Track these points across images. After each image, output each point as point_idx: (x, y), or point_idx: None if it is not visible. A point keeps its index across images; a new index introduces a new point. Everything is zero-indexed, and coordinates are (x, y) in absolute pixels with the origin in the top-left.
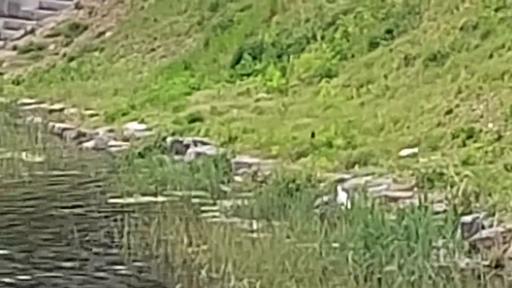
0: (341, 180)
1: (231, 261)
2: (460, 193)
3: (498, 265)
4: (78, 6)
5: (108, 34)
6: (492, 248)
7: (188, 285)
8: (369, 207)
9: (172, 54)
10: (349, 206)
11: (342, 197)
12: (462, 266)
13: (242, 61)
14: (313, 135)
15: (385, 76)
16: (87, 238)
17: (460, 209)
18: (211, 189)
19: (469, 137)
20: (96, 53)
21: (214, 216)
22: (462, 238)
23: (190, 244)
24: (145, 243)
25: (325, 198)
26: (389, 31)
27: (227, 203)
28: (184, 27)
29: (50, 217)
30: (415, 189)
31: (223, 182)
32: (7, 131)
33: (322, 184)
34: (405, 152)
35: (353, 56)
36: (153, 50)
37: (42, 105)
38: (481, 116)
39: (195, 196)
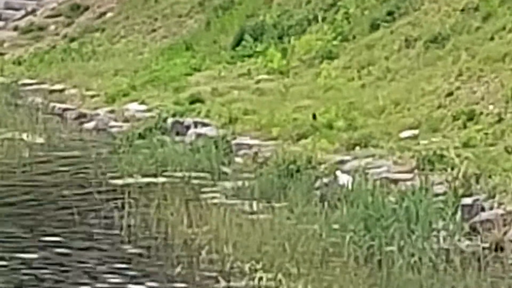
0: (342, 162)
1: (231, 242)
2: (460, 175)
3: (498, 247)
4: None
5: (109, 14)
6: (492, 230)
7: (188, 266)
8: (369, 189)
9: (173, 35)
10: (349, 188)
11: (342, 178)
12: (462, 248)
13: (243, 42)
14: (314, 116)
15: (386, 58)
16: (87, 218)
17: (460, 191)
18: (211, 170)
19: (470, 119)
20: (97, 34)
21: (214, 197)
22: (462, 220)
23: (190, 225)
24: (145, 224)
25: (326, 180)
26: (390, 13)
27: (227, 184)
28: (185, 8)
29: (50, 197)
30: (416, 171)
31: (223, 164)
32: (8, 112)
33: (322, 166)
34: (405, 134)
35: (354, 37)
36: (154, 31)
37: (43, 86)
38: (482, 98)
39: (196, 177)
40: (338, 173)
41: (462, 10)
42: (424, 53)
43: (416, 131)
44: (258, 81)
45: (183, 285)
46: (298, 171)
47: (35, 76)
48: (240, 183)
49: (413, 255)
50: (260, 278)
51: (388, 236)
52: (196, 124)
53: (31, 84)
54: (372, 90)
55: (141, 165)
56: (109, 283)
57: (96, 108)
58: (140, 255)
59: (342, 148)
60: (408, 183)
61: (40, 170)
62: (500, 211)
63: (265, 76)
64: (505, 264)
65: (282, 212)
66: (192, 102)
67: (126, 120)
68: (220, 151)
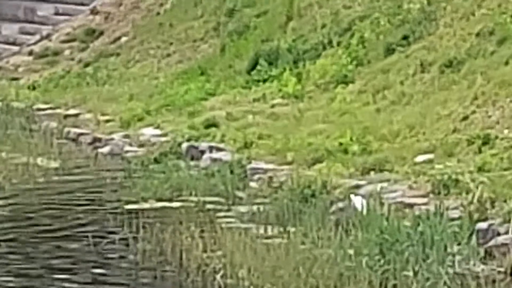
0: (357, 187)
1: (246, 267)
2: (475, 199)
3: None
4: (94, 12)
5: (123, 39)
6: (508, 254)
7: None
8: (384, 214)
9: (188, 59)
10: (364, 212)
11: (357, 203)
12: (477, 272)
13: (258, 67)
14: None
15: (401, 82)
16: (101, 243)
17: (475, 216)
18: (226, 195)
19: (485, 143)
20: (112, 59)
21: (229, 222)
22: (478, 245)
23: (205, 249)
24: (160, 249)
25: (340, 204)
26: (405, 37)
27: (242, 209)
28: (200, 32)
29: (66, 222)
30: (431, 195)
31: (238, 188)
32: (23, 136)
33: (337, 190)
34: (420, 158)
35: (369, 62)
36: (168, 55)
37: (58, 111)
38: (497, 123)
39: (211, 202)
40: (352, 196)
41: (477, 34)
42: (439, 77)
43: (431, 156)
44: (273, 106)
45: None
46: (313, 195)
47: (49, 101)
48: (255, 207)
49: (428, 279)
50: None
51: (403, 261)
52: (211, 149)
53: (45, 109)
54: (387, 114)
55: (156, 189)
56: None
57: (111, 133)
58: (155, 280)
59: (357, 172)
60: (423, 207)
61: (54, 194)
62: None
63: (280, 101)
64: None
65: (296, 236)
66: (207, 127)
67: (141, 145)
68: (235, 175)
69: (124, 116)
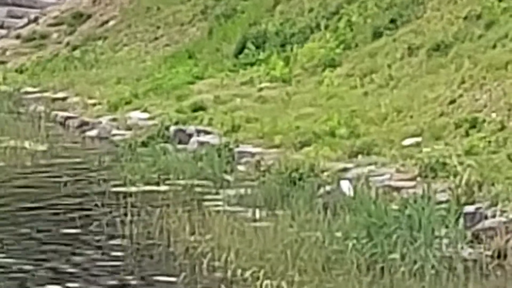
0: (344, 170)
1: (233, 250)
2: (463, 183)
3: (501, 255)
4: None
5: (111, 23)
6: (495, 238)
7: (191, 273)
8: (372, 197)
9: (176, 43)
10: (352, 196)
11: (344, 187)
12: (464, 256)
13: (246, 51)
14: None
15: (389, 66)
16: (89, 227)
17: (463, 199)
18: (214, 178)
19: (473, 127)
20: (99, 42)
21: (217, 205)
22: (465, 228)
23: (192, 233)
24: (147, 232)
25: (328, 188)
26: (392, 21)
27: (230, 192)
28: (187, 16)
29: (53, 205)
30: (418, 179)
31: (226, 172)
32: (10, 120)
33: (325, 174)
34: (408, 141)
35: (356, 45)
36: (156, 39)
37: (45, 94)
38: (485, 106)
39: (198, 185)
40: (340, 182)
41: (465, 18)
42: (427, 61)
43: (418, 139)
44: (260, 89)
45: None
46: (300, 179)
47: (37, 85)
48: (242, 191)
49: (415, 262)
50: (263, 286)
51: (390, 244)
52: (198, 132)
53: (33, 93)
54: (375, 98)
55: (144, 173)
56: None
57: (98, 116)
58: (142, 263)
59: (345, 156)
60: (411, 191)
61: (42, 178)
62: (503, 219)
63: (268, 84)
64: (508, 272)
65: (284, 219)
66: (194, 110)
67: (128, 128)
68: (223, 159)
69: (111, 100)
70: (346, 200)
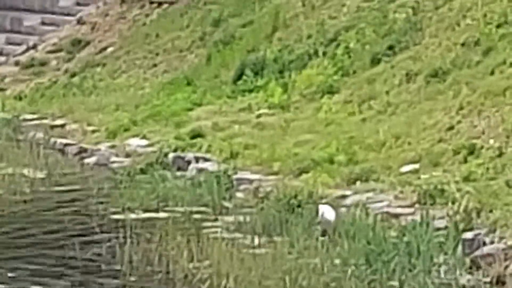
0: (343, 197)
1: (232, 276)
2: (461, 209)
3: (499, 281)
4: (80, 22)
5: (110, 49)
6: (493, 264)
7: None
8: (370, 224)
9: (174, 69)
10: (336, 223)
11: (327, 213)
12: (463, 282)
13: (244, 77)
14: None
15: (387, 92)
16: (89, 254)
17: (461, 226)
18: (212, 205)
19: (471, 153)
20: (98, 69)
21: (215, 232)
22: (464, 255)
23: (191, 259)
24: (146, 259)
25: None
26: (391, 47)
27: (228, 219)
28: (186, 42)
29: (51, 233)
30: (417, 205)
31: (224, 198)
32: (9, 147)
33: (323, 200)
34: (406, 168)
35: (354, 72)
36: (155, 65)
37: (44, 121)
38: (483, 133)
39: (197, 212)
40: (320, 207)
41: (463, 44)
42: (425, 87)
43: (416, 166)
44: (259, 116)
45: None
46: (299, 205)
47: (36, 111)
48: (241, 217)
49: None
50: None
51: (389, 271)
52: (197, 159)
53: (32, 119)
54: (373, 124)
55: (143, 200)
56: None
57: (97, 143)
58: None
59: (343, 182)
60: (409, 217)
61: (41, 205)
62: (501, 246)
63: (266, 111)
64: None
65: (283, 246)
66: (193, 137)
67: (127, 155)
68: (221, 186)
69: (110, 127)
70: (344, 227)
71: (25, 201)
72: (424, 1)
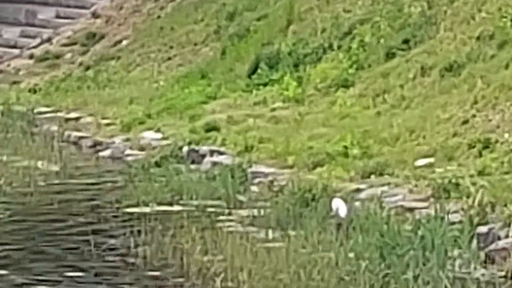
0: (357, 190)
1: (246, 270)
2: (476, 203)
3: None
4: (94, 15)
5: (124, 42)
6: (508, 258)
7: None
8: (385, 217)
9: (189, 63)
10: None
11: (335, 207)
12: (477, 276)
13: (259, 71)
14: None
15: (401, 86)
16: (103, 247)
17: (476, 220)
18: (227, 198)
19: (485, 147)
20: (113, 62)
21: (230, 226)
22: (478, 249)
23: (205, 253)
24: (161, 252)
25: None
26: (405, 41)
27: (243, 212)
28: (200, 36)
29: (66, 226)
30: (431, 199)
31: (239, 192)
32: (24, 140)
33: (338, 194)
34: (421, 162)
35: (369, 66)
36: (169, 59)
37: (59, 114)
38: (497, 127)
39: (211, 206)
40: (333, 200)
41: (478, 38)
42: (440, 81)
43: (431, 159)
44: (273, 109)
45: None
46: (313, 199)
47: (50, 104)
48: (255, 211)
49: (428, 283)
50: None
51: (403, 265)
52: (211, 153)
53: (46, 112)
54: (387, 118)
55: (157, 193)
56: None
57: (111, 136)
58: (155, 283)
59: (358, 176)
60: (424, 211)
61: (55, 198)
62: None
63: (281, 104)
64: None
65: (297, 240)
66: (207, 131)
67: (141, 149)
68: (236, 179)
69: (124, 120)
70: (359, 221)
71: (39, 194)
72: None
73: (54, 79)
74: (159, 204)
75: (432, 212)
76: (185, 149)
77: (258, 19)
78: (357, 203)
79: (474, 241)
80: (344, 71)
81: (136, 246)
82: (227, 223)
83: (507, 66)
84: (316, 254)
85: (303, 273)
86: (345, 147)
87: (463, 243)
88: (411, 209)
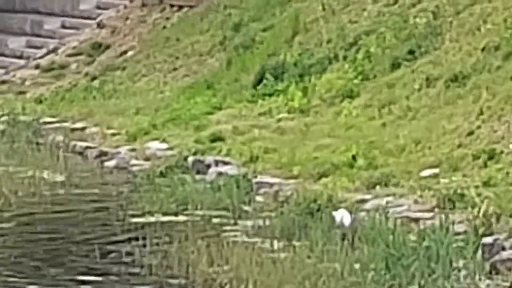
0: (362, 201)
1: (252, 281)
2: (481, 214)
3: None
4: (100, 25)
5: (130, 53)
6: None
7: None
8: (390, 228)
9: (194, 73)
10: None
11: (339, 217)
12: (482, 287)
13: (264, 81)
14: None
15: (407, 97)
16: (108, 257)
17: (481, 230)
18: (232, 209)
19: (490, 158)
20: (118, 72)
21: (235, 236)
22: (483, 260)
23: (211, 264)
24: (166, 263)
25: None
26: (411, 52)
27: (248, 223)
28: (206, 46)
29: (71, 236)
30: (436, 210)
31: (244, 202)
32: (29, 150)
33: (343, 205)
34: (426, 172)
35: (375, 76)
36: (175, 69)
37: (64, 124)
38: (503, 138)
39: (217, 216)
40: (335, 213)
41: (483, 49)
42: (445, 92)
43: (436, 170)
44: (279, 120)
45: None
46: (318, 210)
47: (56, 115)
48: (261, 221)
49: None
50: None
51: (408, 275)
52: (217, 163)
53: (52, 123)
54: (393, 129)
55: (162, 203)
56: None
57: (117, 147)
58: None
59: (363, 187)
60: (429, 222)
61: (60, 208)
62: None
63: (286, 115)
64: None
65: (302, 250)
66: (213, 141)
67: (147, 159)
68: (241, 189)
69: (130, 130)
70: (364, 231)
71: (44, 204)
72: (444, 6)
73: (60, 89)
74: (164, 214)
75: (437, 222)
76: (190, 159)
77: (264, 30)
78: (362, 214)
79: (479, 252)
80: (350, 82)
81: (141, 256)
82: (232, 234)
83: None
84: (321, 265)
85: (308, 283)
86: (353, 156)
87: (468, 253)
88: (416, 220)
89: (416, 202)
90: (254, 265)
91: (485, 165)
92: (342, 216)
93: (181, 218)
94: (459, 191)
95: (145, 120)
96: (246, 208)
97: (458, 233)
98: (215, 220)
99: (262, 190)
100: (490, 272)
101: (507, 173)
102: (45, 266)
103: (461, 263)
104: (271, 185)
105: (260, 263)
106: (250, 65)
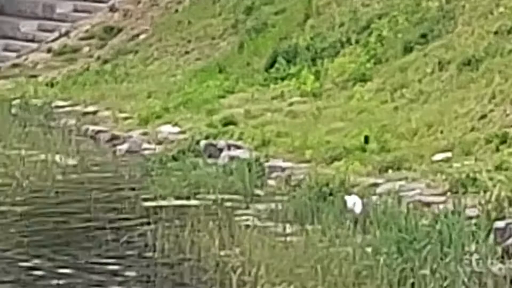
0: (375, 185)
1: (263, 264)
2: (493, 198)
3: None
4: (112, 9)
5: (142, 36)
6: None
7: None
8: (402, 212)
9: (206, 57)
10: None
11: (350, 203)
12: (494, 271)
13: (276, 65)
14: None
15: (419, 81)
16: (120, 241)
17: (493, 214)
18: (244, 192)
19: (503, 142)
20: (130, 56)
21: (247, 220)
22: (495, 244)
23: (223, 247)
24: (178, 246)
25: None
26: (423, 36)
27: (260, 206)
28: (218, 30)
29: (83, 220)
30: (449, 194)
31: (256, 186)
32: (41, 134)
33: (355, 189)
34: (438, 156)
35: (387, 60)
36: (187, 53)
37: (76, 108)
38: None
39: (229, 200)
40: (347, 197)
41: (496, 32)
42: (457, 75)
43: (449, 154)
44: (291, 104)
45: None
46: (331, 193)
47: (68, 98)
48: (273, 205)
49: (446, 278)
50: None
51: (421, 259)
52: (229, 147)
53: (64, 106)
54: (405, 112)
55: (174, 187)
56: None
57: (129, 130)
58: (173, 277)
59: (375, 170)
60: (441, 206)
61: (73, 192)
62: None
63: (298, 99)
64: None
65: (314, 234)
66: (225, 125)
67: (159, 142)
68: (253, 173)
69: (142, 114)
70: (376, 215)
71: (57, 188)
72: None
73: (72, 73)
74: (177, 198)
75: (450, 206)
76: (203, 143)
77: (276, 13)
78: (375, 198)
79: (491, 236)
80: (362, 66)
81: (153, 240)
82: (244, 217)
83: None
84: (333, 249)
85: (320, 267)
86: (366, 138)
87: (480, 237)
88: (428, 204)
89: (428, 186)
90: (266, 249)
91: (498, 149)
92: (354, 202)
93: (193, 202)
94: (471, 175)
95: (157, 103)
96: (258, 192)
97: (470, 217)
98: (227, 204)
99: (274, 174)
100: (502, 256)
101: None
102: (56, 250)
103: (473, 247)
104: (283, 169)
105: (272, 246)
106: (262, 48)
